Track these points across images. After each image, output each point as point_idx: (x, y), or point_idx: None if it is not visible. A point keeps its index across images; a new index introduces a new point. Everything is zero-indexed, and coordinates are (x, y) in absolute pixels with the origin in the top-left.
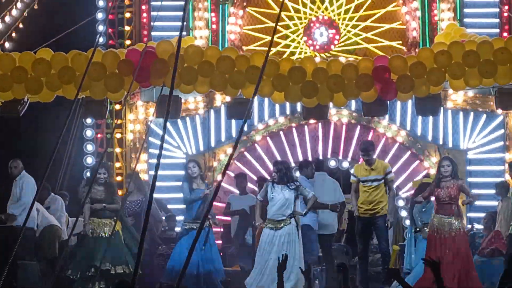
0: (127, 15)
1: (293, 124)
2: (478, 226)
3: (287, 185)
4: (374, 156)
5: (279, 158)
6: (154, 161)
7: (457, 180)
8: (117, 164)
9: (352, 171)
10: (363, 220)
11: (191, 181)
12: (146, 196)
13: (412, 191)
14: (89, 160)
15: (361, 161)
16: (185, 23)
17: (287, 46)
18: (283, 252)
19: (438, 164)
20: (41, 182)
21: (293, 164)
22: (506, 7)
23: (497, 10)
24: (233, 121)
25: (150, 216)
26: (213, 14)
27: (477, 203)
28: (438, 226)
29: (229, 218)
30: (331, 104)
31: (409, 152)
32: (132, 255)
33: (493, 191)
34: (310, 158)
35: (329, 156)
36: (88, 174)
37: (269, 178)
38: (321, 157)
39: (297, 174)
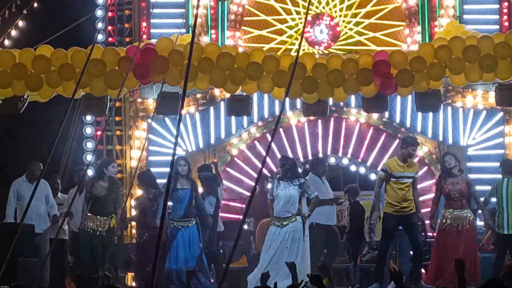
0: (127, 12)
1: (293, 121)
2: (478, 223)
3: (291, 181)
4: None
5: (278, 155)
6: (154, 158)
7: (466, 176)
8: (118, 162)
9: (382, 166)
10: (397, 217)
11: (176, 179)
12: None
13: None
14: (89, 157)
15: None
16: (184, 20)
17: (286, 43)
18: (286, 249)
19: (440, 162)
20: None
21: None
22: (506, 4)
23: (497, 6)
24: (233, 117)
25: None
26: (212, 12)
27: None
28: (450, 221)
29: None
30: (331, 101)
31: None
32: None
33: None
34: (310, 156)
35: (328, 153)
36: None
37: (268, 174)
38: (321, 154)
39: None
